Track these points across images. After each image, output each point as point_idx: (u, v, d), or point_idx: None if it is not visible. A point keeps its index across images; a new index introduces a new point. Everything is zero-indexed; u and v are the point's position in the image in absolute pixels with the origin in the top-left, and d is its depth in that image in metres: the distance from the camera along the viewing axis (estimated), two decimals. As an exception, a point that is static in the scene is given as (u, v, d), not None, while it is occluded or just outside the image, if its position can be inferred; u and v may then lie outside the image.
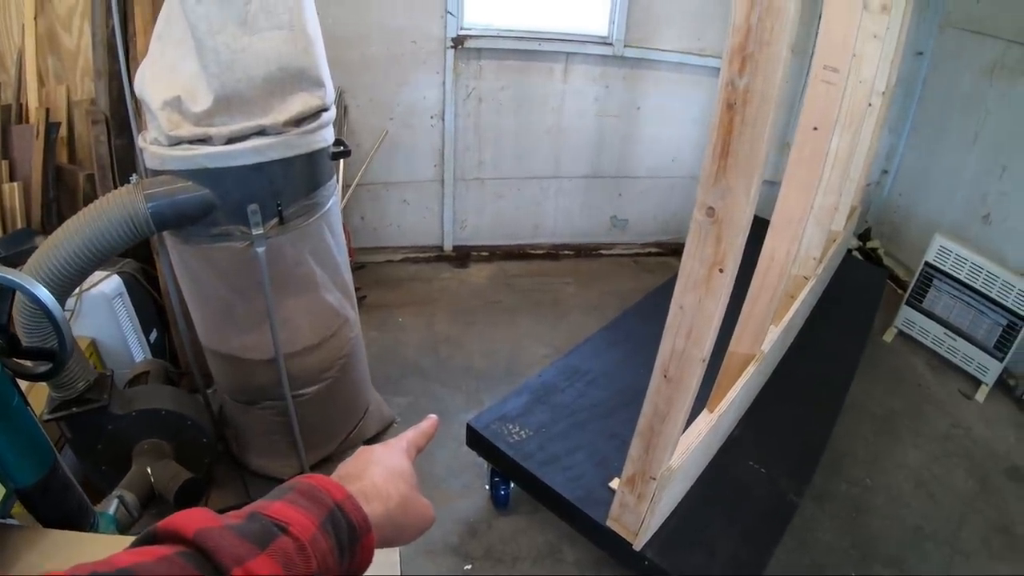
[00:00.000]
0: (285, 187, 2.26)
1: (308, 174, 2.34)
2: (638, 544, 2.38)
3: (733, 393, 2.63)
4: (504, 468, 2.82)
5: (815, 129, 2.40)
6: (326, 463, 2.99)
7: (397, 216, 4.81)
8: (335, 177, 2.59)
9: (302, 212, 2.36)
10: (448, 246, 5.00)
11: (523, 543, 2.96)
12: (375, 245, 4.83)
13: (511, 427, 2.80)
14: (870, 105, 3.77)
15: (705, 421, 2.51)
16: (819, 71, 2.32)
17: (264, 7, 2.06)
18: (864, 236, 5.96)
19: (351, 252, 4.05)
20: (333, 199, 2.55)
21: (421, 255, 4.95)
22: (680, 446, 2.28)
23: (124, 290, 2.92)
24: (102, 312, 2.83)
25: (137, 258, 3.10)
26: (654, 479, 2.17)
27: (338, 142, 2.49)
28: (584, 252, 5.31)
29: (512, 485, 2.98)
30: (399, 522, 0.75)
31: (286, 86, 2.15)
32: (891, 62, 3.83)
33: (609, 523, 2.43)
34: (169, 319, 3.11)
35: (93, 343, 2.88)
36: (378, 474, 0.76)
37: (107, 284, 2.83)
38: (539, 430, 2.81)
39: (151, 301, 3.15)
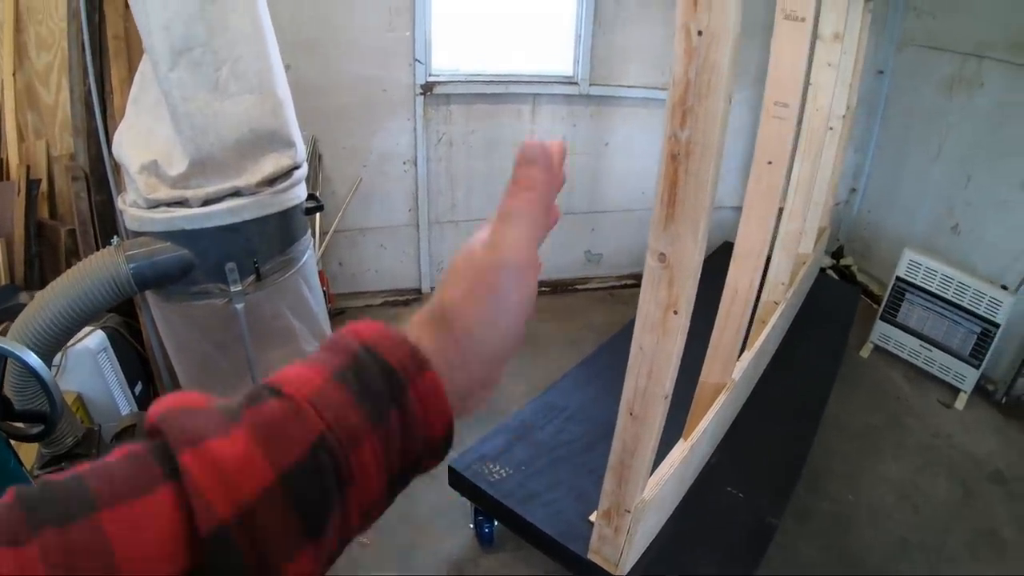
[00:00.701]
0: (261, 245, 2.35)
1: (283, 231, 2.43)
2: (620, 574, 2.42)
3: (705, 422, 2.69)
4: (486, 507, 2.87)
5: (769, 163, 2.47)
6: None
7: (374, 261, 4.87)
8: (309, 231, 2.66)
9: (278, 268, 2.44)
10: (426, 288, 5.06)
11: None
12: (354, 290, 4.89)
13: (491, 466, 2.85)
14: (831, 129, 3.88)
15: (679, 452, 2.57)
16: (770, 107, 2.40)
17: (234, 72, 2.15)
18: (837, 254, 6.08)
19: (330, 298, 4.12)
20: (308, 253, 2.63)
21: (400, 298, 5.01)
22: (655, 477, 2.36)
23: (108, 344, 2.97)
24: (87, 367, 2.88)
25: (120, 312, 3.15)
26: (629, 512, 2.23)
27: (311, 197, 2.58)
28: (560, 288, 5.39)
29: (496, 523, 3.03)
30: (487, 351, 0.58)
31: (258, 148, 2.24)
32: (849, 85, 3.94)
33: (590, 556, 2.47)
34: (153, 372, 3.16)
35: (79, 397, 2.92)
36: (454, 292, 0.58)
37: (91, 339, 2.88)
38: (519, 468, 2.87)
39: (135, 354, 3.20)
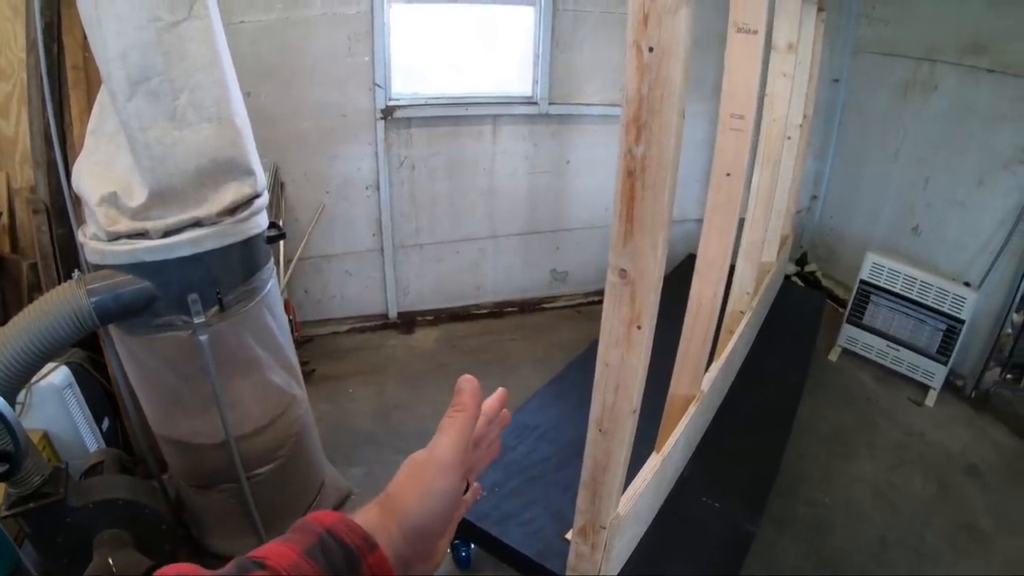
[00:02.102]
0: (223, 275, 2.34)
1: (245, 260, 2.42)
2: None
3: (677, 434, 2.70)
4: (461, 529, 2.83)
5: (728, 175, 2.49)
6: None
7: (340, 287, 4.87)
8: (272, 260, 2.66)
9: (242, 298, 2.43)
10: (393, 313, 5.08)
11: None
12: (320, 318, 4.89)
13: None
14: (789, 138, 3.92)
15: (651, 465, 2.57)
16: (726, 119, 2.42)
17: (192, 101, 2.15)
18: (801, 261, 6.19)
19: (296, 327, 4.10)
20: (271, 282, 2.62)
21: (367, 324, 5.02)
22: (629, 491, 2.37)
23: (73, 380, 2.94)
24: (52, 404, 2.86)
25: (84, 347, 3.11)
26: (604, 528, 2.23)
27: (273, 225, 2.57)
28: (527, 307, 5.43)
29: (472, 546, 3.05)
30: (420, 526, 0.76)
31: (218, 177, 2.24)
32: (805, 94, 3.98)
33: (568, 574, 2.47)
34: (120, 407, 3.13)
35: (45, 435, 2.89)
36: (397, 484, 0.78)
37: (56, 375, 2.86)
38: (493, 489, 2.85)
39: (101, 389, 3.17)
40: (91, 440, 3.07)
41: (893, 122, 5.16)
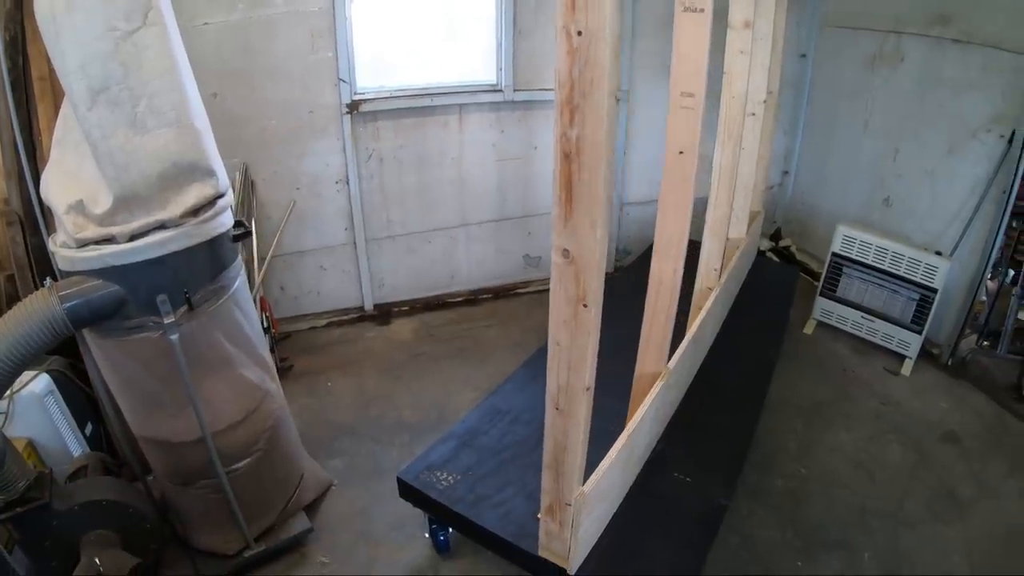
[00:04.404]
0: (190, 275, 2.44)
1: (211, 260, 2.53)
2: (572, 568, 2.53)
3: (643, 410, 2.81)
4: (438, 514, 2.97)
5: (681, 153, 2.58)
6: (268, 533, 3.13)
7: (316, 282, 4.97)
8: (239, 258, 2.76)
9: (210, 296, 2.54)
10: (369, 306, 5.18)
11: None
12: (298, 313, 4.99)
13: (439, 474, 2.96)
14: (752, 115, 4.02)
15: (617, 442, 2.67)
16: (676, 98, 2.51)
17: (151, 108, 2.25)
18: (775, 236, 6.30)
19: (273, 324, 4.19)
20: (239, 279, 2.73)
21: (344, 317, 5.12)
22: (597, 469, 2.48)
23: (55, 387, 3.04)
24: (35, 412, 2.95)
25: (64, 354, 3.20)
26: (569, 505, 2.34)
27: (238, 224, 2.67)
28: (502, 293, 5.53)
29: (451, 530, 3.12)
30: None
31: (180, 180, 2.34)
32: (767, 70, 4.07)
33: (541, 553, 2.58)
34: (102, 412, 3.21)
35: (30, 443, 2.97)
36: None
37: (37, 383, 2.95)
38: (467, 473, 2.97)
39: (83, 395, 3.25)
40: (75, 446, 3.15)
41: (861, 95, 5.26)
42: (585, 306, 1.84)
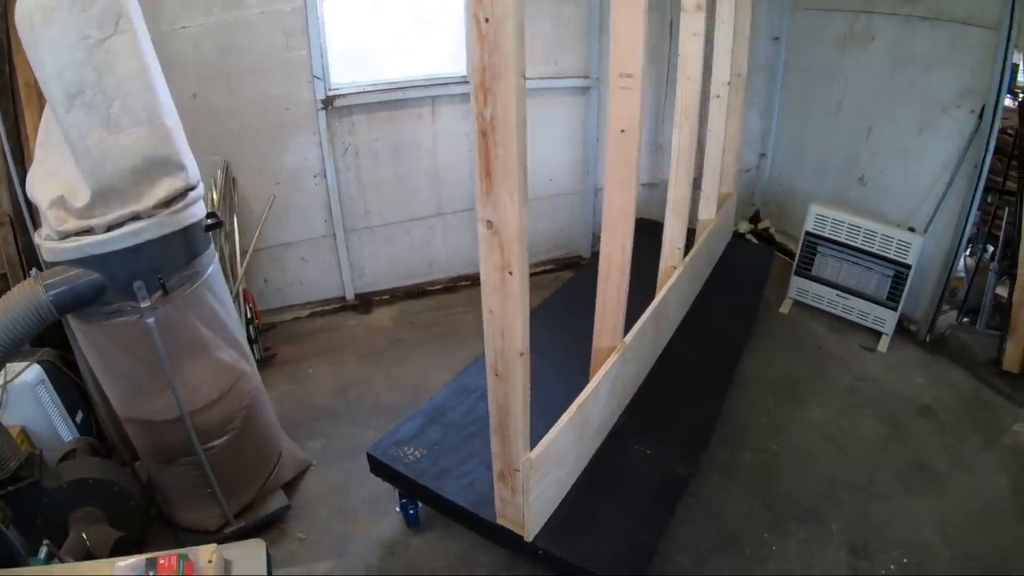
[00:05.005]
0: (164, 262, 2.71)
1: (184, 248, 2.80)
2: (529, 535, 2.74)
3: (595, 382, 3.01)
4: (405, 487, 3.20)
5: (622, 132, 2.74)
6: (248, 511, 3.37)
7: (298, 274, 5.21)
8: (213, 246, 3.02)
9: (184, 282, 2.81)
10: (350, 295, 5.42)
11: (439, 555, 3.33)
12: (282, 305, 5.23)
13: (406, 449, 3.19)
14: (718, 97, 4.26)
15: (568, 411, 2.87)
16: (616, 79, 2.67)
17: (125, 108, 2.51)
18: (755, 219, 6.53)
19: (257, 315, 4.45)
20: (212, 266, 2.99)
21: (326, 307, 5.36)
22: (546, 436, 2.68)
23: (45, 377, 3.28)
24: (27, 400, 3.20)
25: (55, 345, 3.44)
26: (518, 470, 2.53)
27: (211, 215, 2.93)
28: (479, 281, 5.63)
29: (420, 504, 3.34)
30: None
31: (152, 173, 2.60)
32: (730, 53, 4.27)
33: (499, 520, 2.79)
34: (91, 399, 3.45)
35: (23, 430, 3.22)
36: None
37: (28, 374, 3.20)
38: (432, 447, 3.20)
39: (73, 385, 3.49)
40: (66, 432, 3.39)
41: (834, 76, 5.46)
42: (511, 273, 2.04)
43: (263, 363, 4.55)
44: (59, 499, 2.81)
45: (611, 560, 2.73)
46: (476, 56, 1.81)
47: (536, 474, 2.59)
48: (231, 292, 4.15)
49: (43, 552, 2.43)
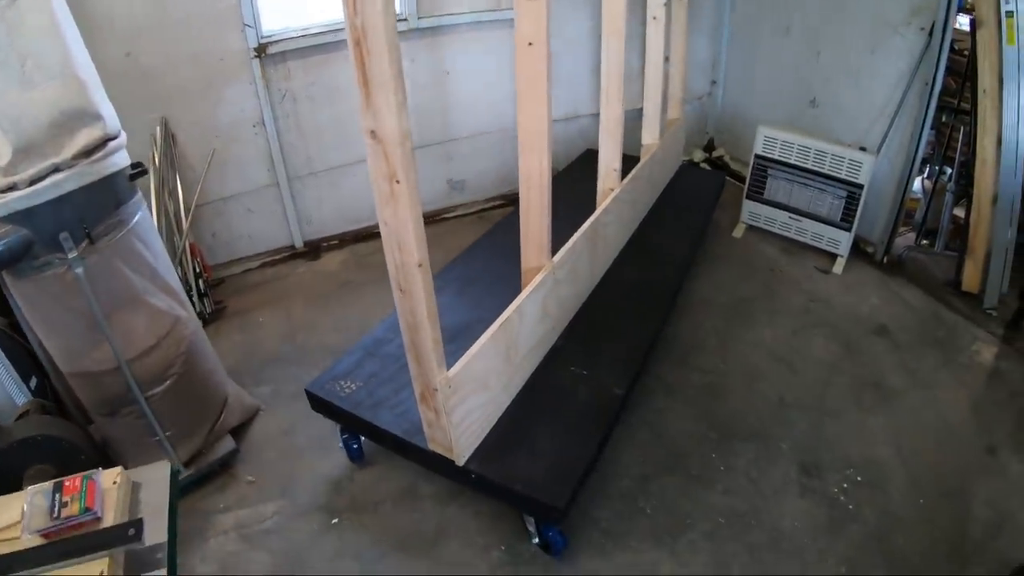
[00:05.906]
0: (88, 212, 2.90)
1: (107, 197, 2.99)
2: (459, 459, 2.94)
3: (519, 300, 3.18)
4: (344, 421, 3.40)
5: (530, 44, 2.81)
6: (198, 457, 3.58)
7: (245, 226, 5.38)
8: (139, 194, 3.21)
9: (109, 230, 3.00)
10: (299, 243, 5.63)
11: (382, 489, 3.53)
12: (232, 258, 5.43)
13: (343, 383, 3.39)
14: (654, 18, 4.34)
15: (488, 330, 3.04)
16: None
17: (38, 64, 2.69)
18: (709, 147, 6.76)
19: (206, 269, 4.65)
20: (139, 214, 3.18)
21: (276, 257, 5.56)
22: (464, 356, 2.86)
23: (-6, 343, 3.43)
24: (-25, 368, 3.36)
25: (4, 313, 3.52)
26: (436, 390, 2.69)
27: (135, 164, 3.11)
28: (430, 219, 5.86)
29: (363, 439, 3.56)
30: None
31: (69, 125, 2.78)
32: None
33: (430, 446, 2.98)
34: (41, 360, 3.56)
35: None
36: None
37: (-27, 340, 3.35)
38: (368, 380, 3.39)
39: (24, 351, 3.57)
40: (20, 398, 3.49)
41: (783, -2, 5.58)
42: (398, 182, 2.16)
43: (214, 316, 4.76)
44: (10, 458, 2.98)
45: (542, 480, 2.90)
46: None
47: (457, 394, 2.75)
48: (176, 248, 4.38)
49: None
